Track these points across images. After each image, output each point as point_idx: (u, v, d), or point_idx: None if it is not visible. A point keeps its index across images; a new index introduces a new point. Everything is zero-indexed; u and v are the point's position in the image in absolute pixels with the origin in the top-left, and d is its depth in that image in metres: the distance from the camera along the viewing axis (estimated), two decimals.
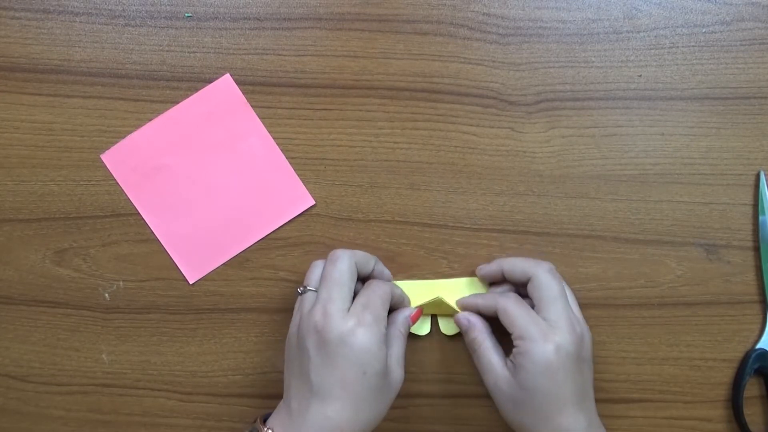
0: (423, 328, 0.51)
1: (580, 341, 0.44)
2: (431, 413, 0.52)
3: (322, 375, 0.43)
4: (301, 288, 0.47)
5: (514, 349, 0.44)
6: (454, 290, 0.51)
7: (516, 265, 0.48)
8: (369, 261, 0.48)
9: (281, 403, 0.45)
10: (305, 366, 0.43)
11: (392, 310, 0.48)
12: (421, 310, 0.49)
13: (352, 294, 0.45)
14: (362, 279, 0.48)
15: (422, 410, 0.52)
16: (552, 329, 0.44)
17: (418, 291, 0.51)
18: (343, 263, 0.45)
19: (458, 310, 0.49)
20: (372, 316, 0.43)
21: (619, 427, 0.52)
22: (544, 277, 0.46)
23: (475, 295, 0.50)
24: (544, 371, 0.43)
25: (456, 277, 0.51)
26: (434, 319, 0.51)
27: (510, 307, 0.45)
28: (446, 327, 0.51)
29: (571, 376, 0.43)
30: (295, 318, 0.46)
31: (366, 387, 0.42)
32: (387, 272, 0.50)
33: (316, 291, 0.46)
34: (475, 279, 0.51)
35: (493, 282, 0.50)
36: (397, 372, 0.45)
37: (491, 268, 0.49)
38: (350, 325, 0.43)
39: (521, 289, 0.48)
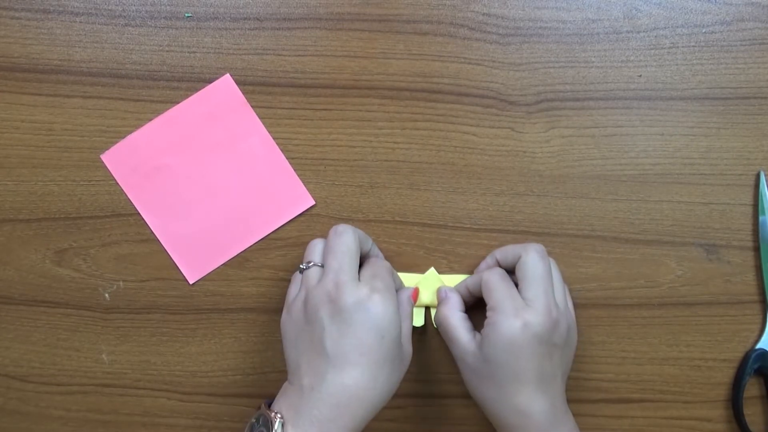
0: (417, 319, 0.51)
1: (553, 325, 0.44)
2: (431, 413, 0.52)
3: (338, 343, 0.42)
4: (304, 264, 0.46)
5: (485, 320, 0.45)
6: (450, 284, 0.51)
7: (507, 250, 0.48)
8: (367, 240, 0.48)
9: (285, 386, 0.44)
10: (318, 337, 0.42)
11: None
12: (418, 290, 0.49)
13: (358, 268, 0.45)
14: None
15: (422, 410, 0.52)
16: (525, 307, 0.44)
17: (414, 283, 0.51)
18: (349, 236, 0.45)
19: None
20: (384, 284, 0.44)
21: (619, 427, 0.52)
22: (530, 257, 0.46)
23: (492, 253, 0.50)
24: (508, 346, 0.43)
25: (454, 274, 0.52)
26: (428, 313, 0.51)
27: (492, 279, 0.46)
28: None
29: (536, 358, 0.43)
30: (299, 294, 0.45)
31: (384, 353, 0.42)
32: (381, 255, 0.50)
33: (320, 266, 0.46)
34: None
35: None
36: (407, 347, 0.45)
37: (487, 261, 0.50)
38: (365, 291, 0.43)
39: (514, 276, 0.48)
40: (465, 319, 0.47)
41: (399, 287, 0.49)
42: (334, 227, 0.46)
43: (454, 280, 0.51)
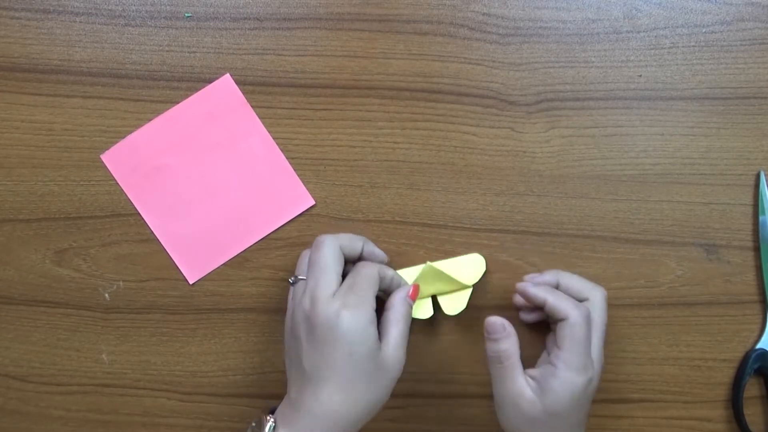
0: (424, 311, 0.50)
1: (599, 379, 0.45)
2: (431, 413, 0.52)
3: (312, 360, 0.43)
4: (293, 278, 0.47)
5: (549, 367, 0.44)
6: (459, 269, 0.50)
7: (574, 283, 0.47)
8: (356, 243, 0.47)
9: (286, 395, 0.45)
10: (299, 354, 0.43)
11: (389, 292, 0.47)
12: (418, 287, 0.48)
13: (340, 278, 0.45)
14: (352, 261, 0.48)
15: (422, 410, 0.52)
16: (591, 364, 0.44)
17: (420, 277, 0.49)
18: (327, 248, 0.45)
19: (460, 282, 0.49)
20: (357, 297, 0.43)
21: (619, 427, 0.52)
22: (602, 305, 0.46)
23: (545, 287, 0.47)
24: (574, 402, 0.43)
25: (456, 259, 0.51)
26: (435, 302, 0.50)
27: (578, 324, 0.44)
28: (450, 307, 0.50)
29: (585, 411, 0.45)
30: (288, 309, 0.47)
31: (354, 369, 0.42)
32: (379, 252, 0.49)
33: (305, 279, 0.46)
34: (476, 256, 0.51)
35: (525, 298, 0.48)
36: (394, 355, 0.44)
37: (545, 278, 0.48)
38: (335, 307, 0.43)
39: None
40: (519, 357, 0.45)
41: (397, 286, 0.48)
42: (316, 238, 0.46)
43: (460, 267, 0.50)
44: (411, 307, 0.47)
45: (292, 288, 0.47)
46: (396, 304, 0.46)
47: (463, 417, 0.52)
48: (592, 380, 0.44)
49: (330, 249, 0.45)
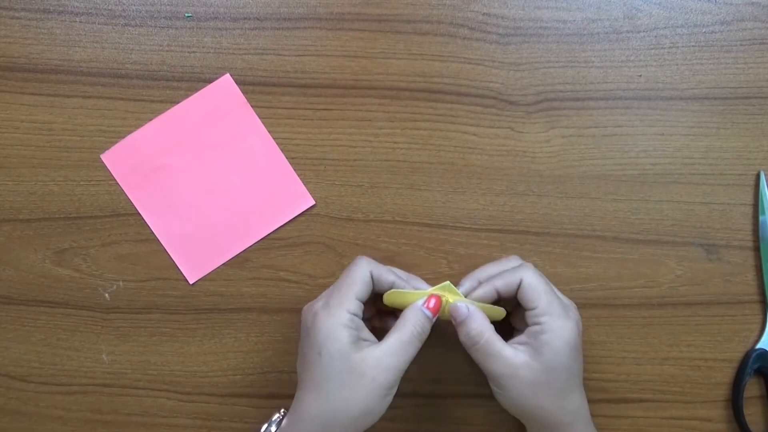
0: (494, 313, 0.46)
1: (580, 323, 0.45)
2: (431, 413, 0.52)
3: (298, 362, 0.45)
4: None
5: (534, 327, 0.43)
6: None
7: (504, 279, 0.45)
8: (388, 275, 0.45)
9: None
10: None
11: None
12: (438, 298, 0.44)
13: (355, 297, 0.44)
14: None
15: (422, 410, 0.52)
16: (567, 306, 0.44)
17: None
18: (353, 266, 0.45)
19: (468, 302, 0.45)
20: (335, 299, 0.43)
21: (619, 427, 0.52)
22: (537, 273, 0.44)
23: (489, 277, 0.45)
24: (570, 349, 0.42)
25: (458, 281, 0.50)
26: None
27: (535, 281, 0.44)
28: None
29: (581, 358, 0.44)
30: None
31: (322, 369, 0.42)
32: (402, 280, 0.46)
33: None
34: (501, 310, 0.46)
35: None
36: (383, 362, 0.42)
37: (471, 286, 0.46)
38: (314, 308, 0.44)
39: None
40: (494, 331, 0.44)
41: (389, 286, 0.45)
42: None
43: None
44: (426, 318, 0.44)
45: None
46: (406, 311, 0.44)
47: (463, 417, 0.52)
48: (578, 322, 0.44)
49: (355, 267, 0.44)
